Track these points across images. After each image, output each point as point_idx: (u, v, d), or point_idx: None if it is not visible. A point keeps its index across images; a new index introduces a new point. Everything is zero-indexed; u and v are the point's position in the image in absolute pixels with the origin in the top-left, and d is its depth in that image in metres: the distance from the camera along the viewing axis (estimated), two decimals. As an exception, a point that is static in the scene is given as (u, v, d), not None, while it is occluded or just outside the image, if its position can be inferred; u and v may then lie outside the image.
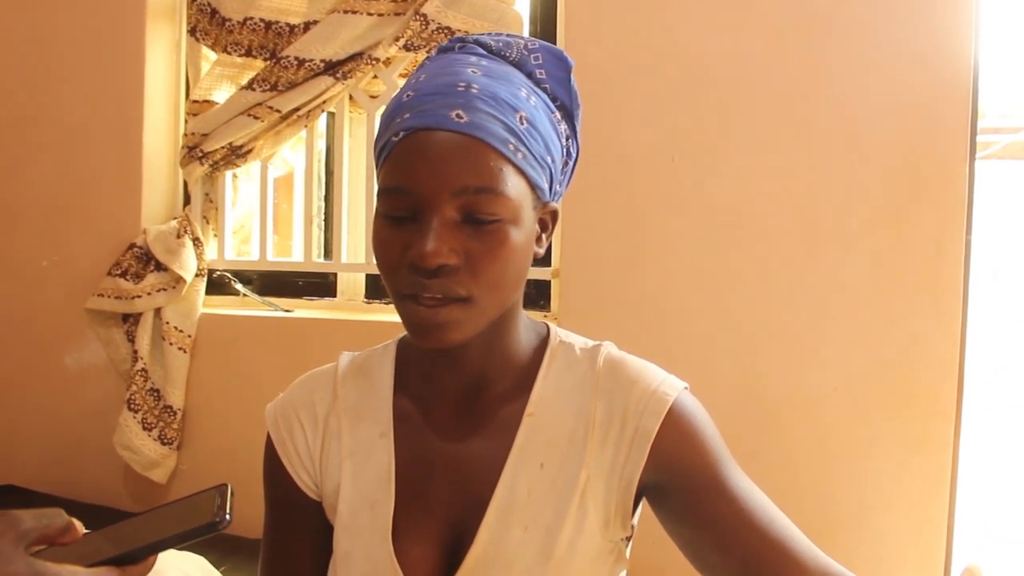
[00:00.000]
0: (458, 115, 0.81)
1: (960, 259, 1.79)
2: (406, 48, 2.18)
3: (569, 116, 0.92)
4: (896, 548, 1.83)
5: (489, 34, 0.93)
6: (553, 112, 0.90)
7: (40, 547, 0.67)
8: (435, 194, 0.81)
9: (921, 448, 1.81)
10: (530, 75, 0.90)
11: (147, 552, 0.69)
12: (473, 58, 0.88)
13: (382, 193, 0.85)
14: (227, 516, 0.69)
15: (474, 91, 0.83)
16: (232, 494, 0.70)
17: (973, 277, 1.82)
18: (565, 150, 0.92)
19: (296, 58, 2.20)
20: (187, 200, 2.49)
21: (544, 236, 0.91)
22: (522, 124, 0.84)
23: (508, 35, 0.93)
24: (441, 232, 0.80)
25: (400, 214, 0.83)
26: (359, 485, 0.94)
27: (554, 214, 0.92)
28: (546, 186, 0.88)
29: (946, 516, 1.80)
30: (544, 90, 0.90)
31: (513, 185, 0.83)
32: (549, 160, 0.87)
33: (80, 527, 0.70)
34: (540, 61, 0.91)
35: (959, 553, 1.84)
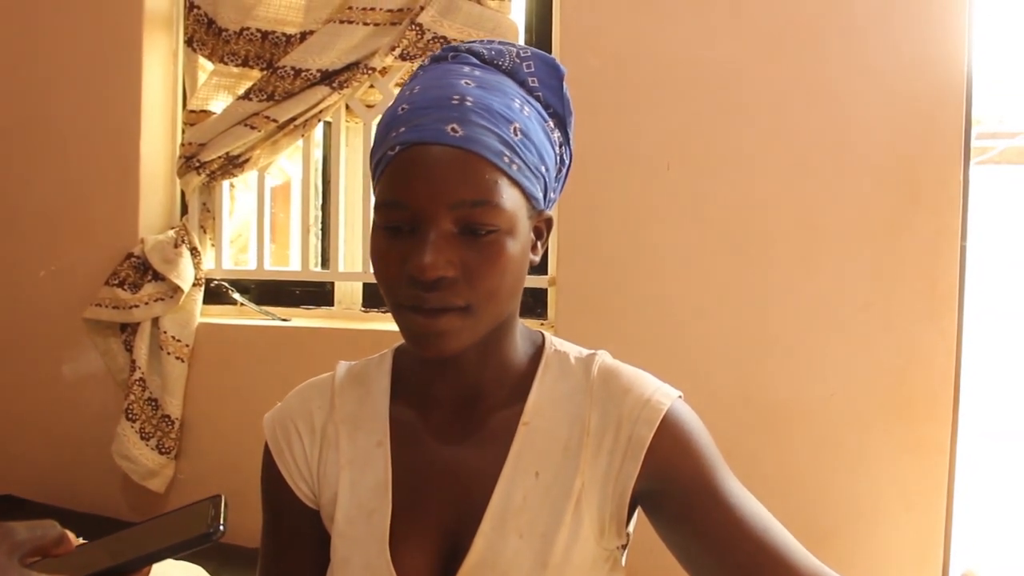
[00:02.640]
0: (453, 129, 0.82)
1: (956, 264, 1.79)
2: (402, 58, 2.18)
3: (562, 123, 0.93)
4: (894, 554, 1.83)
5: (481, 42, 0.94)
6: (546, 121, 0.91)
7: (35, 559, 0.67)
8: (432, 208, 0.81)
9: (918, 453, 1.81)
10: (523, 84, 0.90)
11: (141, 564, 0.69)
12: (466, 68, 0.89)
13: (379, 206, 0.85)
14: (221, 527, 0.69)
15: (468, 104, 0.83)
16: (226, 505, 0.71)
17: (969, 282, 1.82)
18: (559, 158, 0.93)
19: (293, 68, 2.21)
20: (184, 210, 2.50)
21: (539, 244, 0.92)
22: (516, 136, 0.84)
23: (500, 43, 0.93)
24: (439, 245, 0.81)
25: (397, 226, 0.84)
26: (357, 494, 0.94)
27: (548, 221, 0.93)
28: (540, 195, 0.89)
29: (943, 521, 1.80)
30: (537, 98, 0.91)
31: (508, 196, 0.84)
32: (543, 170, 0.88)
33: (73, 539, 0.70)
34: (532, 69, 0.91)
35: (957, 558, 1.84)
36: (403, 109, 0.85)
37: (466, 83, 0.86)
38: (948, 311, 1.79)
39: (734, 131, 1.92)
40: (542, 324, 2.15)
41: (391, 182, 0.84)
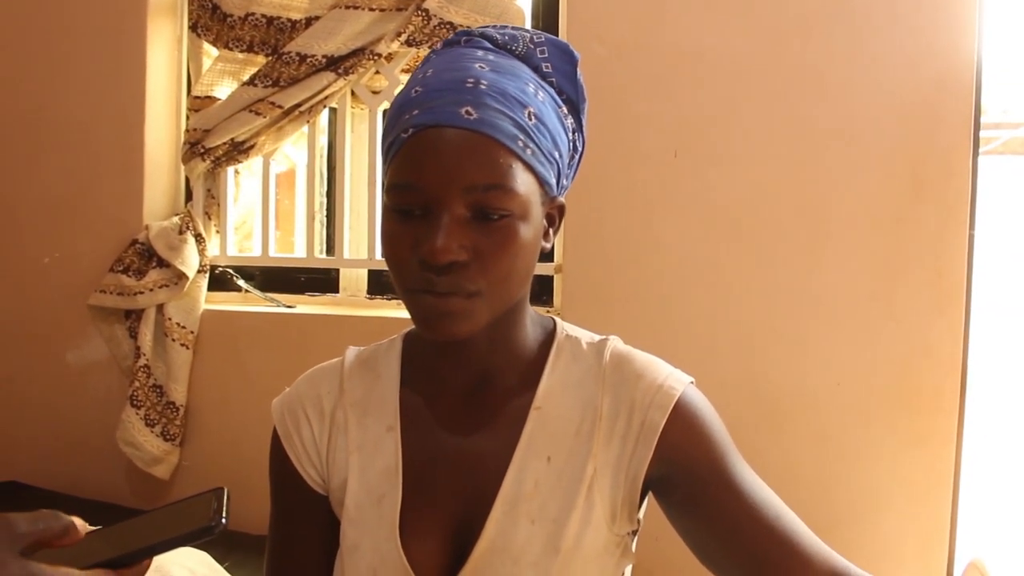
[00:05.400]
0: (467, 112, 0.81)
1: (963, 254, 1.79)
2: (408, 43, 2.18)
3: (575, 110, 0.92)
4: (900, 544, 1.83)
5: (495, 27, 0.93)
6: (560, 106, 0.90)
7: (37, 550, 0.66)
8: (445, 191, 0.81)
9: (924, 444, 1.81)
10: (536, 69, 0.90)
11: (143, 555, 0.68)
12: (480, 52, 0.88)
13: (391, 189, 0.84)
14: (223, 520, 0.68)
15: (483, 87, 0.83)
16: (228, 497, 0.70)
17: (976, 273, 1.82)
18: (572, 144, 0.92)
19: (298, 54, 2.20)
20: (189, 196, 2.49)
21: (551, 231, 0.92)
22: (530, 120, 0.84)
23: (514, 28, 0.93)
24: (451, 229, 0.80)
25: (409, 209, 0.83)
26: (366, 479, 0.94)
27: (561, 208, 0.92)
28: (553, 181, 0.88)
29: (949, 512, 1.81)
30: (550, 84, 0.90)
31: (522, 181, 0.83)
32: (557, 155, 0.88)
33: (82, 526, 0.69)
34: (546, 55, 0.91)
35: (963, 548, 1.84)
36: (416, 92, 0.84)
37: (480, 67, 0.85)
38: (955, 302, 1.79)
39: (741, 120, 1.91)
40: (547, 311, 2.14)
41: (404, 164, 0.83)
